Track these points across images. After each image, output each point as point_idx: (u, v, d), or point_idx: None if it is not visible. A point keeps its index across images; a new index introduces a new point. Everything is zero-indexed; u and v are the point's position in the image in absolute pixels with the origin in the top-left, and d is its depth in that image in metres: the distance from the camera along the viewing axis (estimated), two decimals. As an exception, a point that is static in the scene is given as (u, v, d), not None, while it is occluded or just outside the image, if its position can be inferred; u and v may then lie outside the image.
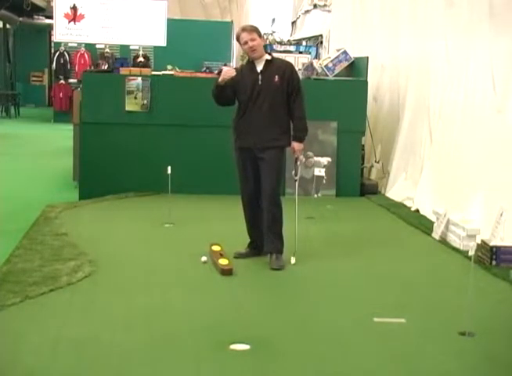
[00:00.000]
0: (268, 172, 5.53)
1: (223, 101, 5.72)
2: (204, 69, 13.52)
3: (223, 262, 5.35)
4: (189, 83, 8.63)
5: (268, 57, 5.61)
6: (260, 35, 5.60)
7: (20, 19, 22.35)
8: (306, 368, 3.68)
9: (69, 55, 18.79)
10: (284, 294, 5.01)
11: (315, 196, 8.36)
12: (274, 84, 5.52)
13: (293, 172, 5.76)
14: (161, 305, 4.55)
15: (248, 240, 5.83)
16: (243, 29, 5.62)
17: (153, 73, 9.00)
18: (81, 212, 7.40)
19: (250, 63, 5.64)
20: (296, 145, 5.63)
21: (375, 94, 9.81)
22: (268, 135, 5.53)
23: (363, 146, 9.21)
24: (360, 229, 7.05)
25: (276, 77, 5.52)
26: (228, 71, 5.57)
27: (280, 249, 5.58)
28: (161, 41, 11.66)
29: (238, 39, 5.65)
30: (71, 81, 18.84)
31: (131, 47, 17.41)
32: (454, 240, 6.29)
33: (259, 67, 5.57)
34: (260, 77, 5.55)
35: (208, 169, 8.48)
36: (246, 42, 5.53)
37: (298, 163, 5.76)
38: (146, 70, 8.91)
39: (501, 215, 5.69)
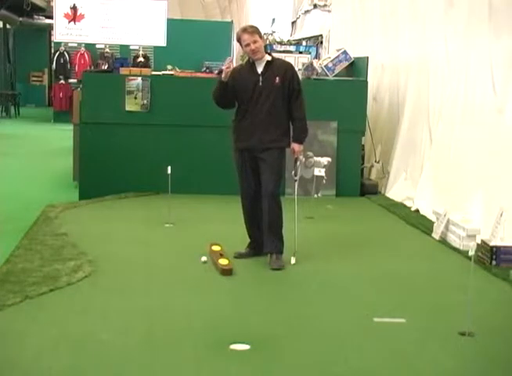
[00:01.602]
0: (269, 173, 5.53)
1: (224, 102, 5.68)
2: (204, 69, 13.51)
3: (223, 262, 5.35)
4: (189, 83, 8.63)
5: (269, 58, 5.59)
6: (261, 36, 5.59)
7: (20, 19, 22.34)
8: (306, 368, 3.68)
9: (69, 55, 18.80)
10: (284, 294, 5.01)
11: (315, 196, 8.36)
12: (275, 86, 5.51)
13: (293, 172, 5.76)
14: (161, 305, 4.55)
15: (248, 241, 5.83)
16: (244, 30, 5.58)
17: (153, 73, 9.01)
18: (81, 212, 7.40)
19: (251, 64, 5.62)
20: (296, 146, 5.62)
21: (375, 94, 9.81)
22: (268, 136, 5.52)
23: (363, 146, 9.21)
24: (360, 229, 7.05)
25: (277, 78, 5.51)
26: (227, 65, 5.47)
27: (280, 249, 5.58)
28: (161, 41, 11.66)
29: (239, 40, 5.62)
30: (71, 81, 18.84)
31: (131, 47, 17.41)
32: (454, 240, 6.29)
33: (259, 68, 5.56)
34: (260, 78, 5.53)
35: (208, 169, 8.48)
36: (248, 44, 5.50)
37: (298, 163, 5.76)
38: (146, 70, 8.91)
39: (501, 215, 5.69)
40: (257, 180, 5.62)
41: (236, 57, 17.83)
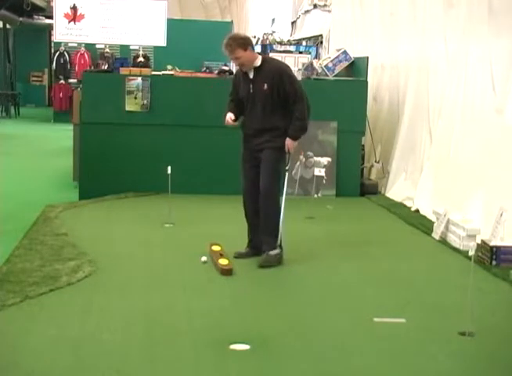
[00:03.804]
0: (264, 171, 5.53)
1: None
2: (204, 69, 13.51)
3: (223, 262, 5.36)
4: (189, 83, 8.63)
5: (258, 63, 5.50)
6: (244, 46, 5.42)
7: (20, 19, 22.33)
8: (306, 368, 3.68)
9: (69, 55, 18.79)
10: (284, 294, 5.01)
11: (315, 196, 8.36)
12: (263, 92, 5.46)
13: (287, 167, 5.74)
14: (161, 305, 4.55)
15: (247, 240, 5.82)
16: (225, 45, 5.45)
17: (153, 73, 9.01)
18: (81, 212, 7.40)
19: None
20: (289, 141, 5.54)
21: (375, 94, 9.81)
22: (264, 138, 5.53)
23: (363, 146, 9.21)
24: (360, 229, 7.05)
25: (265, 85, 5.45)
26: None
27: (273, 245, 5.53)
28: (161, 41, 11.66)
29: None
30: (71, 81, 18.83)
31: (131, 47, 17.39)
32: (454, 240, 6.29)
33: (251, 74, 5.54)
34: (251, 85, 5.53)
35: (208, 169, 8.47)
36: (232, 59, 5.55)
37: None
38: (145, 70, 8.90)
39: (501, 215, 5.69)
40: (257, 179, 5.61)
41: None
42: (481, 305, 4.57)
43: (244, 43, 5.47)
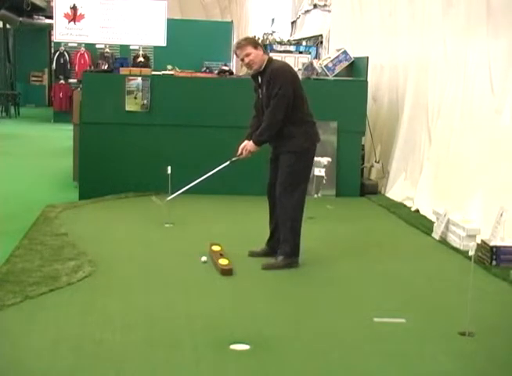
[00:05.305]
0: (279, 176, 5.51)
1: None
2: (204, 69, 13.53)
3: (223, 262, 5.36)
4: (189, 83, 8.62)
5: (262, 67, 5.47)
6: (255, 46, 5.44)
7: (20, 19, 22.34)
8: (306, 368, 3.68)
9: (69, 55, 18.81)
10: (284, 294, 5.01)
11: (315, 196, 8.36)
12: (266, 97, 5.46)
13: (232, 159, 5.78)
14: (161, 305, 4.55)
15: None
16: (237, 45, 5.53)
17: (153, 73, 9.01)
18: (81, 212, 7.40)
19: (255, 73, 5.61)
20: (248, 144, 5.58)
21: (374, 94, 9.81)
22: (278, 142, 5.53)
23: (363, 146, 9.21)
24: (360, 229, 7.05)
25: (264, 88, 5.47)
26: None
27: (286, 251, 5.51)
28: (161, 41, 11.69)
29: (236, 55, 5.62)
30: (71, 81, 18.85)
31: (131, 47, 17.43)
32: (454, 240, 6.29)
33: (260, 78, 5.54)
34: (260, 90, 5.55)
35: (208, 169, 8.45)
36: (242, 59, 5.47)
37: (233, 159, 5.78)
38: (146, 70, 8.91)
39: (501, 215, 5.69)
40: (276, 176, 5.61)
41: (236, 60, 17.84)
42: (481, 305, 4.56)
43: (255, 42, 5.54)
